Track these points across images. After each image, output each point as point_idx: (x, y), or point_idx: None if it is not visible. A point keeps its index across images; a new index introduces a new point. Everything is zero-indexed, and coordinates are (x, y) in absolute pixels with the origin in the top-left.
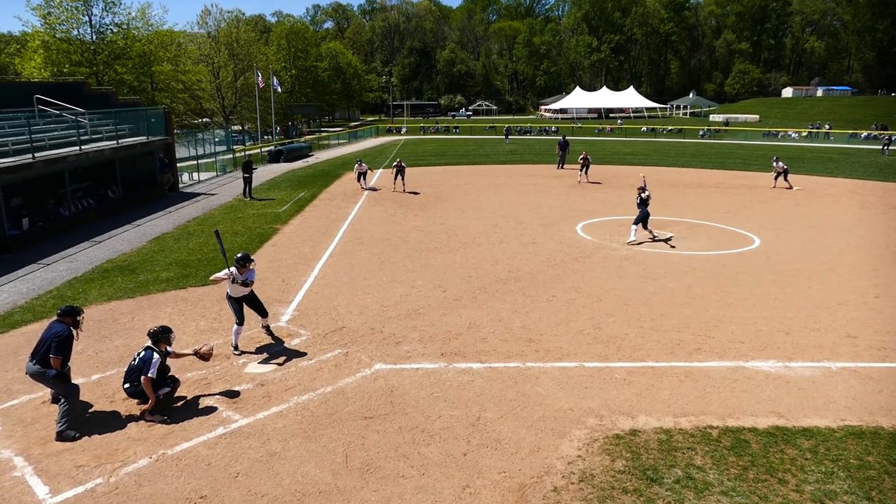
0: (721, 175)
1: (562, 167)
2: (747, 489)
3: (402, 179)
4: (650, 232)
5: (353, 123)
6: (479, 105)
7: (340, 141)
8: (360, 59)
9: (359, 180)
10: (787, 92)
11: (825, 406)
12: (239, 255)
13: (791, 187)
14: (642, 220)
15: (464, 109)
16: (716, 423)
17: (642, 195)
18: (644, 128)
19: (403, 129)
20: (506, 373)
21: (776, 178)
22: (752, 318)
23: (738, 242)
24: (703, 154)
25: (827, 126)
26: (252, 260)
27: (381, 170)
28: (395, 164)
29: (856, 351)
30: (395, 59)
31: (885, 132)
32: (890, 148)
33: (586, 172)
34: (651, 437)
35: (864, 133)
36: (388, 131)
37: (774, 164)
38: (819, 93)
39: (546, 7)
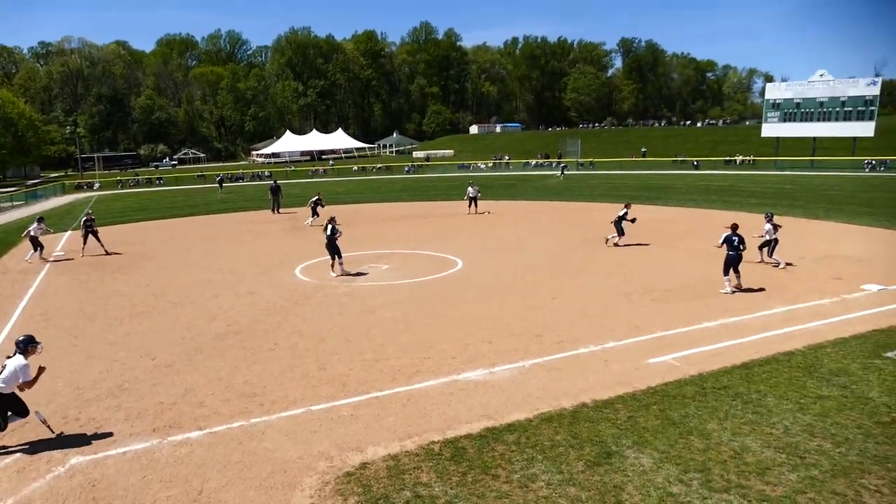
0: (427, 206)
1: (276, 211)
2: (467, 492)
3: (97, 239)
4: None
5: (31, 182)
6: (184, 153)
7: (15, 203)
8: (36, 108)
9: (35, 248)
10: (474, 129)
11: (523, 400)
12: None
13: (481, 212)
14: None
15: (168, 159)
16: (437, 438)
17: (327, 233)
18: (355, 167)
19: (96, 185)
20: (229, 435)
21: (470, 205)
22: (460, 335)
23: (445, 266)
24: (409, 188)
25: (506, 157)
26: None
27: (69, 231)
28: (83, 219)
29: (542, 347)
30: (81, 107)
31: (560, 160)
32: (565, 173)
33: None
34: (380, 465)
35: (534, 162)
36: (78, 187)
37: (470, 188)
38: (498, 129)
39: (248, 53)
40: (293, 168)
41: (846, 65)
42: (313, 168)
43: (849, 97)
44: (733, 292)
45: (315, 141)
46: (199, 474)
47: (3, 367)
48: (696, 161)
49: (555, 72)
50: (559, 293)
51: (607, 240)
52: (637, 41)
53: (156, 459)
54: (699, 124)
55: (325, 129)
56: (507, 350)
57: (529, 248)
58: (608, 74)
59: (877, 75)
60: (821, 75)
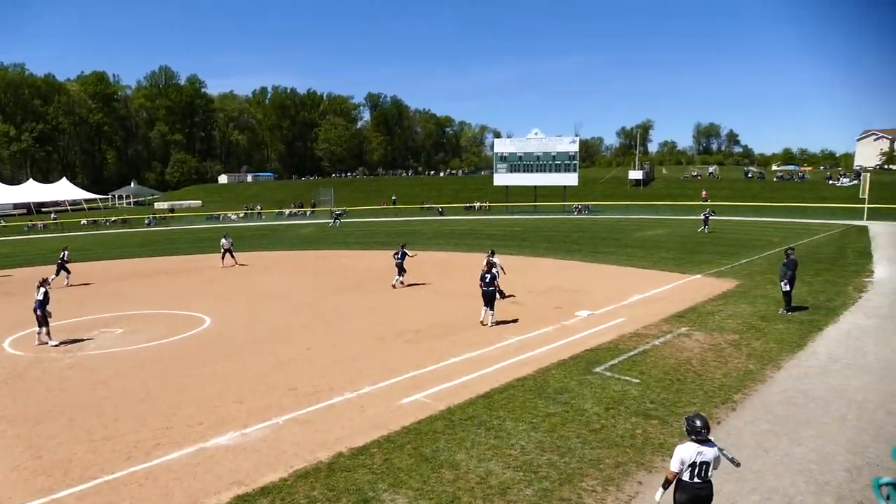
0: (173, 260)
1: None
2: None
3: None
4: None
5: None
6: None
7: None
8: None
9: None
10: (223, 178)
11: (277, 459)
12: None
13: (231, 265)
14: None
15: None
16: None
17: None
18: (84, 220)
19: None
20: None
21: (223, 257)
22: (208, 397)
23: (192, 325)
24: (152, 242)
25: (258, 207)
26: None
27: None
28: None
29: (297, 400)
30: None
31: (301, 209)
32: (340, 220)
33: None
34: None
35: (287, 211)
36: None
37: (224, 240)
38: (249, 178)
39: None
40: (2, 223)
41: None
42: (30, 223)
43: (557, 152)
44: (492, 325)
45: (32, 191)
46: None
47: None
48: (441, 208)
49: (306, 122)
50: (313, 342)
51: (394, 285)
52: (383, 96)
53: None
54: (442, 174)
55: (46, 178)
56: (259, 408)
57: (283, 298)
58: (358, 126)
59: (576, 135)
60: (535, 133)
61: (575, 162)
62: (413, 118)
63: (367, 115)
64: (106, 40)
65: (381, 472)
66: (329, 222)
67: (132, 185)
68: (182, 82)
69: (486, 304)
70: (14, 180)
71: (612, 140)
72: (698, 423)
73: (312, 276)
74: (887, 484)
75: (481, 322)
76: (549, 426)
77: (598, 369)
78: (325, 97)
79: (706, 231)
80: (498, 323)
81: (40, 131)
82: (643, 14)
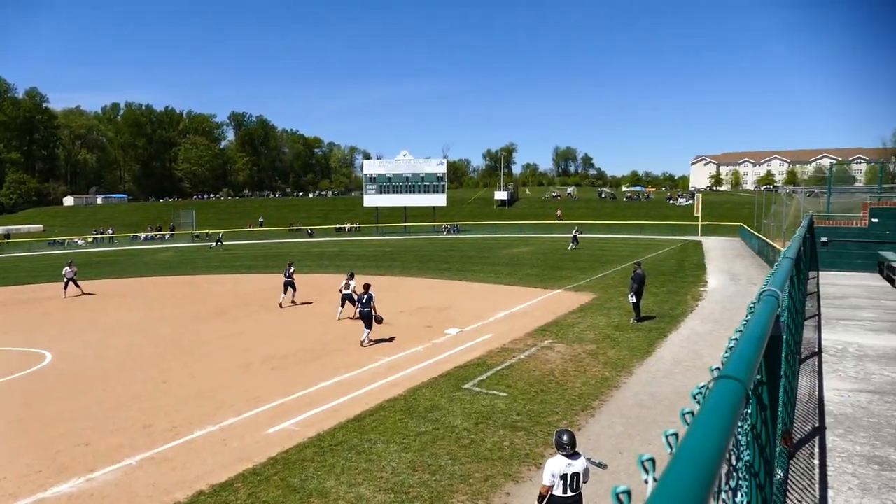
0: (7, 291)
1: None
2: None
3: None
4: None
5: None
6: None
7: None
8: None
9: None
10: (69, 200)
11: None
12: None
13: (82, 293)
14: None
15: None
16: None
17: None
18: None
19: None
20: None
21: (66, 286)
22: (49, 441)
23: (28, 363)
24: None
25: (110, 231)
26: None
27: None
28: None
29: (152, 438)
30: None
31: (160, 232)
32: (222, 243)
33: None
34: None
35: (143, 235)
36: None
37: (67, 268)
38: (99, 200)
39: None
40: None
41: (422, 146)
42: None
43: (426, 173)
44: (370, 343)
45: None
46: None
47: None
48: (311, 229)
49: (164, 141)
50: (170, 375)
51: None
52: (248, 115)
53: None
54: (311, 195)
55: None
56: (109, 449)
57: (136, 329)
58: (221, 146)
59: (444, 157)
60: (404, 155)
61: (443, 183)
62: (280, 138)
63: (231, 135)
64: None
65: None
66: (211, 245)
67: None
68: (19, 95)
69: (366, 325)
70: None
71: (478, 162)
72: (565, 438)
73: (171, 303)
74: (647, 460)
75: (361, 342)
76: (420, 445)
77: (467, 385)
78: (185, 115)
79: (575, 247)
80: (374, 342)
81: None
82: (504, 42)
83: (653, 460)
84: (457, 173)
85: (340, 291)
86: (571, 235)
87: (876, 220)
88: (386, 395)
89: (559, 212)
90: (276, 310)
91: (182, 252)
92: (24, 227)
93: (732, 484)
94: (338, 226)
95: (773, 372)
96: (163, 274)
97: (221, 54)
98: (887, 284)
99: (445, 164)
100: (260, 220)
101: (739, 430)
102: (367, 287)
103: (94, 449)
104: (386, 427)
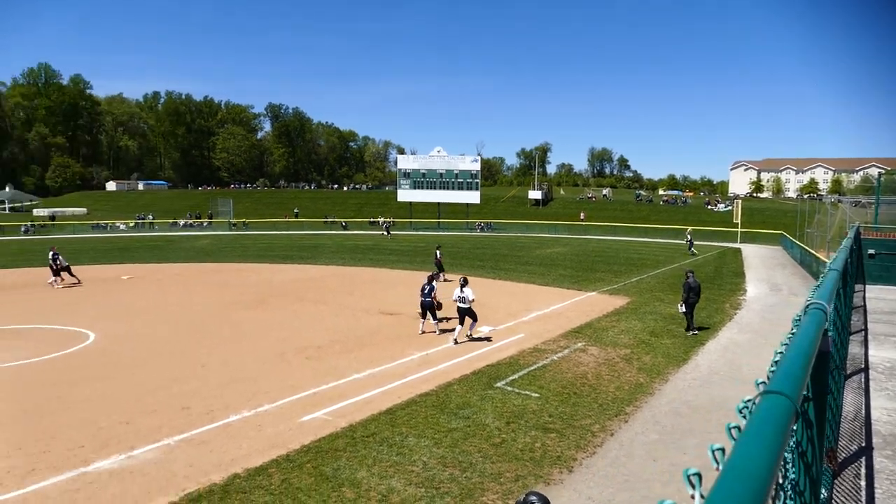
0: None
1: None
2: None
3: None
4: None
5: None
6: None
7: None
8: None
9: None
10: (111, 185)
11: (168, 483)
12: None
13: (79, 282)
14: None
15: None
16: None
17: None
18: None
19: None
20: None
21: (57, 274)
22: (92, 417)
23: (72, 341)
24: (28, 252)
25: (150, 216)
26: None
27: None
28: None
29: (189, 420)
30: None
31: (198, 220)
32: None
33: None
34: None
35: (182, 221)
36: None
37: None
38: (140, 186)
39: None
40: None
41: (457, 143)
42: None
43: (460, 170)
44: (422, 333)
45: None
46: None
47: None
48: (345, 222)
49: (202, 130)
50: (209, 360)
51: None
52: (284, 107)
53: None
54: (346, 188)
55: None
56: (148, 428)
57: (175, 313)
58: (258, 137)
59: (478, 154)
60: (438, 151)
61: (477, 180)
62: (316, 130)
63: (267, 126)
64: None
65: (279, 492)
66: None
67: (7, 189)
68: (65, 82)
69: (423, 315)
70: None
71: (512, 160)
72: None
73: (209, 290)
74: (694, 475)
75: (455, 340)
76: (452, 441)
77: (499, 384)
78: (223, 105)
79: (693, 252)
80: (444, 331)
81: None
82: (540, 40)
83: (699, 475)
84: (490, 171)
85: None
86: (687, 241)
87: None
88: (418, 390)
89: (582, 214)
90: (312, 301)
91: (220, 240)
92: (69, 210)
93: (778, 503)
94: (371, 219)
95: (819, 388)
96: (201, 260)
97: (259, 46)
98: None
99: (479, 162)
100: (295, 210)
101: (786, 447)
102: (429, 278)
103: (135, 427)
104: (417, 422)
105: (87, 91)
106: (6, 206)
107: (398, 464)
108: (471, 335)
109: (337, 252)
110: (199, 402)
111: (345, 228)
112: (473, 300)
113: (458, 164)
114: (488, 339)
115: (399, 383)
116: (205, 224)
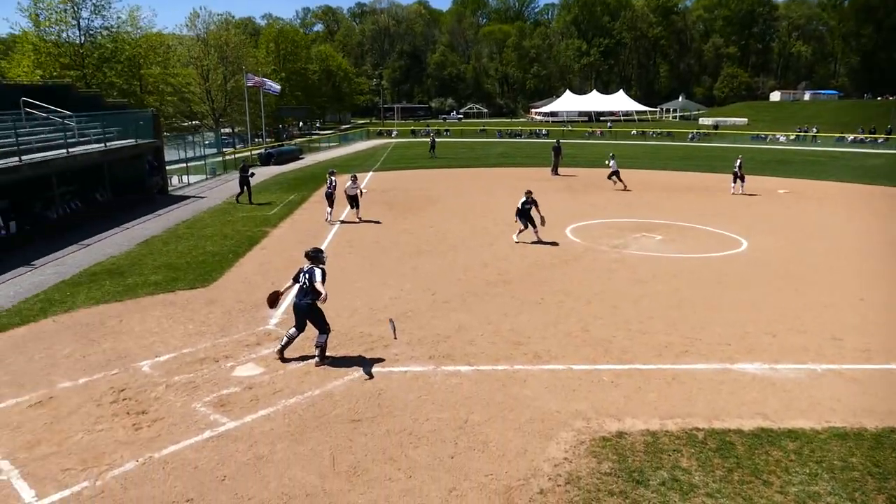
0: (710, 178)
1: (556, 173)
2: (732, 491)
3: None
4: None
5: (343, 126)
6: (469, 108)
7: (331, 144)
8: (351, 61)
9: (331, 204)
10: (776, 96)
11: (810, 408)
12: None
13: (625, 188)
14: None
15: (454, 112)
16: (702, 426)
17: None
18: (634, 131)
19: (394, 133)
20: (494, 375)
21: (353, 205)
22: (738, 321)
23: (726, 245)
24: (692, 157)
25: (814, 129)
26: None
27: (371, 173)
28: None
29: (840, 353)
30: (386, 62)
31: (872, 135)
32: None
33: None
34: (637, 439)
35: (851, 136)
36: (379, 134)
37: (350, 182)
38: (807, 97)
39: (535, 11)
40: (570, 128)
41: None
42: (590, 129)
43: None
44: None
45: (594, 101)
46: (465, 405)
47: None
48: None
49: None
50: (869, 294)
51: None
52: None
53: (430, 383)
54: None
55: (606, 89)
56: (793, 347)
57: (831, 236)
58: None
59: None
60: None
61: None
62: None
63: None
64: None
65: None
66: None
67: (680, 99)
68: None
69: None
70: (580, 91)
71: None
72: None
73: (875, 217)
74: None
75: None
76: None
77: None
78: None
79: None
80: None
81: (605, 46)
82: None
83: None
84: None
85: None
86: None
87: None
88: None
89: None
90: None
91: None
92: (731, 120)
93: None
94: None
95: None
96: (867, 182)
97: None
98: None
99: None
100: None
101: None
102: None
103: (780, 342)
104: None
105: None
106: (677, 114)
107: None
108: None
109: None
110: (852, 335)
111: None
112: None
113: None
114: None
115: None
116: (879, 140)
